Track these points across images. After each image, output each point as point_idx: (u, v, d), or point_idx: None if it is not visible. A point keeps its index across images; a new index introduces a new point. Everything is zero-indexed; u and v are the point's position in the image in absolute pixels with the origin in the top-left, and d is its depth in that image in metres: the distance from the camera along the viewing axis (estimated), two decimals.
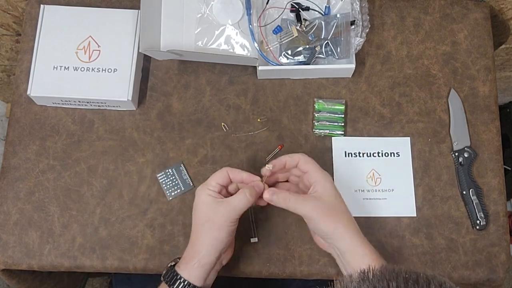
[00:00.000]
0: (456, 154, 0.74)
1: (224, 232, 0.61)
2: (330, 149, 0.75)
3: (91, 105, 0.75)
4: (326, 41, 0.74)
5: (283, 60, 0.74)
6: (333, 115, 0.75)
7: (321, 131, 0.75)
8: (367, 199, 0.73)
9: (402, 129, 0.76)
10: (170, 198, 0.73)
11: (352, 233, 0.61)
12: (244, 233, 0.72)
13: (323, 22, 0.74)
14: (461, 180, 0.73)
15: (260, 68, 0.73)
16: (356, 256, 0.60)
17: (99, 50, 0.74)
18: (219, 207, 0.61)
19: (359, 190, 0.73)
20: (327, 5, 0.75)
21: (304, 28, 0.74)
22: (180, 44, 0.76)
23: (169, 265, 0.63)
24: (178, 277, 0.60)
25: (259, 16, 0.74)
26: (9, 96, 1.28)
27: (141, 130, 0.75)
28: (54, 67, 0.73)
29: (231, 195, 0.63)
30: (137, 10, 0.74)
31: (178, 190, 0.73)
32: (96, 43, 0.74)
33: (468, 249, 0.72)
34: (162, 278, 0.62)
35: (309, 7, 0.75)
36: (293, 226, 0.72)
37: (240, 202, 0.61)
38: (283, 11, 0.75)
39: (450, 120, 0.76)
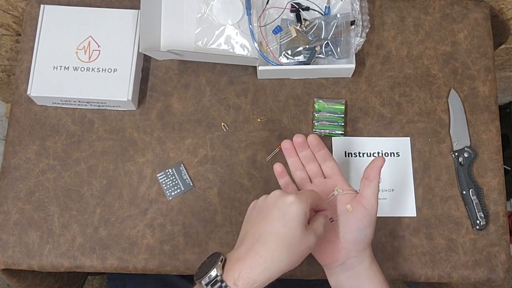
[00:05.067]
0: (456, 154, 0.74)
1: (299, 261, 0.54)
2: (330, 149, 0.75)
3: (91, 105, 0.75)
4: (326, 41, 0.74)
5: (283, 60, 0.74)
6: (333, 115, 0.75)
7: (321, 131, 0.75)
8: None
9: (402, 129, 0.76)
10: (170, 198, 0.73)
11: (373, 258, 0.62)
12: None
13: (323, 22, 0.74)
14: (461, 180, 0.73)
15: (260, 68, 0.73)
16: (370, 283, 0.60)
17: (99, 50, 0.74)
18: (308, 234, 0.54)
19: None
20: (327, 5, 0.75)
21: (304, 28, 0.74)
22: (180, 44, 0.76)
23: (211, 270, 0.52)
24: None
25: (259, 16, 0.74)
26: (9, 96, 1.28)
27: (141, 130, 0.75)
28: (54, 67, 0.73)
29: None
30: (137, 10, 0.74)
31: (178, 190, 0.73)
32: (96, 43, 0.74)
33: (468, 249, 0.72)
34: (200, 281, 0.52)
35: (309, 7, 0.75)
36: None
37: (320, 230, 0.56)
38: (283, 11, 0.75)
39: (450, 120, 0.76)
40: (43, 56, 0.73)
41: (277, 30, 0.74)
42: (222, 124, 0.76)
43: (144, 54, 0.75)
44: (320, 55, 0.74)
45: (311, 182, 0.66)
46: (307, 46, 0.74)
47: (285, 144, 0.66)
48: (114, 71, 0.73)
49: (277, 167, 0.66)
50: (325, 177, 0.66)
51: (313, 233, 0.54)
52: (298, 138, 0.65)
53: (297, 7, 0.75)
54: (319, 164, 0.66)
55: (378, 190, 0.60)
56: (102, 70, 0.73)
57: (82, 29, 0.74)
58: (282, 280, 0.76)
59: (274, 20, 0.75)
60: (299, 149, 0.67)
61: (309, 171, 0.66)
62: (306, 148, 0.66)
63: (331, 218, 0.61)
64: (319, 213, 0.59)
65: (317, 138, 0.65)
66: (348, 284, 0.61)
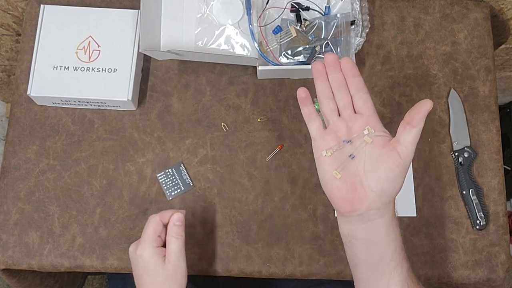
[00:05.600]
0: (456, 154, 0.74)
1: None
2: None
3: (91, 105, 0.75)
4: (326, 41, 0.74)
5: (283, 60, 0.74)
6: None
7: None
8: None
9: None
10: (170, 198, 0.73)
11: (394, 213, 0.55)
12: (243, 233, 0.72)
13: (323, 22, 0.74)
14: (461, 180, 0.73)
15: (260, 68, 0.73)
16: (387, 239, 0.53)
17: (99, 50, 0.74)
18: (167, 267, 0.60)
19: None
20: (327, 5, 0.75)
21: (304, 28, 0.74)
22: (180, 44, 0.76)
23: None
24: None
25: (259, 16, 0.74)
26: (9, 96, 1.28)
27: (141, 130, 0.75)
28: (54, 67, 0.73)
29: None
30: (137, 10, 0.74)
31: (178, 190, 0.73)
32: (96, 43, 0.74)
33: (468, 249, 0.72)
34: None
35: (309, 7, 0.75)
36: (293, 226, 0.72)
37: (178, 248, 0.61)
38: (283, 11, 0.75)
39: (450, 120, 0.76)
40: (43, 56, 0.73)
41: (277, 30, 0.74)
42: (222, 124, 0.76)
43: (144, 54, 0.75)
44: (320, 55, 0.74)
45: (339, 115, 0.56)
46: (307, 46, 0.74)
47: (316, 65, 0.56)
48: (114, 71, 0.73)
49: (301, 92, 0.56)
50: (355, 112, 0.56)
51: (171, 259, 0.60)
52: (330, 56, 0.55)
53: (297, 7, 0.75)
54: (351, 96, 0.56)
55: (418, 138, 0.52)
56: (102, 70, 0.73)
57: (82, 29, 0.74)
58: (281, 280, 0.76)
59: (274, 20, 0.75)
60: (329, 70, 0.56)
61: (338, 101, 0.56)
62: (337, 71, 0.56)
63: (351, 155, 0.54)
64: (168, 231, 0.62)
65: (352, 63, 0.55)
66: (363, 236, 0.54)
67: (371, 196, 0.52)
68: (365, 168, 0.53)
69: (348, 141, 0.54)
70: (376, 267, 0.54)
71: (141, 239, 0.62)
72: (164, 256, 0.61)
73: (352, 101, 0.56)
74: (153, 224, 0.61)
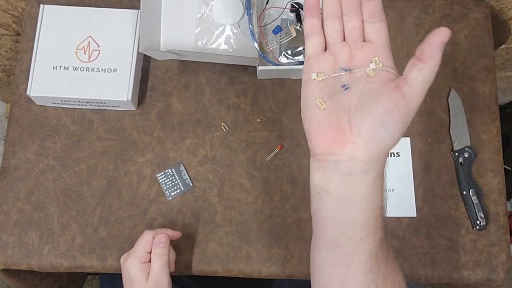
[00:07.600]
0: (456, 154, 0.74)
1: None
2: None
3: (90, 105, 0.75)
4: None
5: (283, 60, 0.74)
6: None
7: None
8: None
9: None
10: (170, 198, 0.73)
11: (381, 171, 0.44)
12: (243, 233, 0.72)
13: None
14: (461, 180, 0.73)
15: (260, 68, 0.73)
16: (364, 202, 0.43)
17: (99, 50, 0.74)
18: (149, 284, 0.63)
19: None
20: None
21: None
22: (180, 44, 0.76)
23: None
24: None
25: (259, 16, 0.74)
26: (9, 96, 1.28)
27: (141, 130, 0.75)
28: (53, 67, 0.73)
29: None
30: (137, 10, 0.74)
31: (178, 190, 0.73)
32: (96, 43, 0.74)
33: (468, 249, 0.72)
34: None
35: None
36: (293, 226, 0.72)
37: (160, 267, 0.63)
38: (283, 11, 0.75)
39: (450, 120, 0.76)
40: (42, 56, 0.73)
41: (277, 30, 0.74)
42: (222, 124, 0.75)
43: (144, 54, 0.75)
44: None
45: (344, 39, 0.46)
46: None
47: None
48: (114, 71, 0.73)
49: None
50: (364, 41, 0.46)
51: (153, 277, 0.63)
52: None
53: (297, 7, 0.75)
54: (363, 21, 0.46)
55: (432, 79, 0.41)
56: (102, 70, 0.73)
57: (82, 29, 0.74)
58: (280, 280, 0.76)
59: (274, 20, 0.75)
60: None
61: (346, 24, 0.46)
62: None
63: (344, 85, 0.44)
64: (152, 251, 0.64)
65: None
66: (335, 190, 0.44)
67: (358, 140, 0.42)
68: (358, 104, 0.43)
69: (347, 70, 0.44)
70: (344, 230, 0.44)
71: (131, 252, 0.65)
72: (149, 272, 0.64)
73: (363, 28, 0.46)
74: (145, 241, 0.64)
